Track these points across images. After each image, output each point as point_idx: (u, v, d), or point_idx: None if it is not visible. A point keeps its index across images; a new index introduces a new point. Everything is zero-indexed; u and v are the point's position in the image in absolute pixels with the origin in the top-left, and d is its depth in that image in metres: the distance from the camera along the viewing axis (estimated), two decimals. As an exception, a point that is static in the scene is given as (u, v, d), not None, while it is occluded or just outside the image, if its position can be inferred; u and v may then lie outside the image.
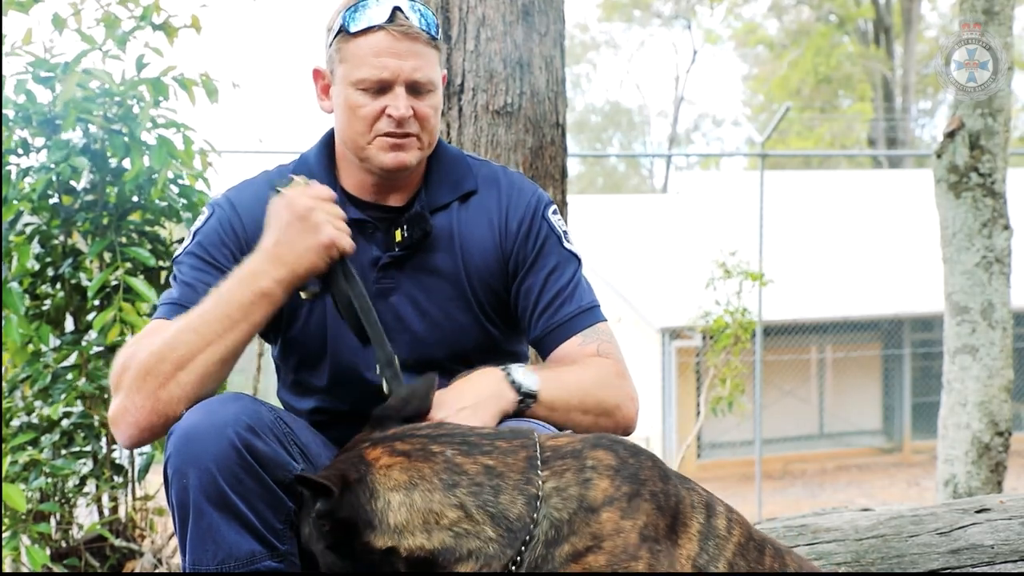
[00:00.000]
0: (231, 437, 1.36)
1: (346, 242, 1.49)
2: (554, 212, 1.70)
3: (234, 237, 1.61)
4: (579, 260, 1.69)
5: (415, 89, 1.57)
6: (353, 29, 1.55)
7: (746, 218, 8.73)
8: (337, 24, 1.58)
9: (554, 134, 2.60)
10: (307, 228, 1.46)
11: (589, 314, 1.63)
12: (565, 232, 1.69)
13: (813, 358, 12.47)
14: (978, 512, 2.10)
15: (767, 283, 6.85)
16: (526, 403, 1.49)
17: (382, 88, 1.56)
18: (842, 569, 1.92)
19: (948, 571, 1.94)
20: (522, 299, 1.65)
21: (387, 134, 1.57)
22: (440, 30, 1.62)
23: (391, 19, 1.55)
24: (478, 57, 2.51)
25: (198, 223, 1.65)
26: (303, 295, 1.53)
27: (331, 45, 1.60)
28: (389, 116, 1.56)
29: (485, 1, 2.51)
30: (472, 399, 1.45)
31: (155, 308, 1.67)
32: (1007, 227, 3.70)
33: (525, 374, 1.50)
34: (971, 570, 1.94)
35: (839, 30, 23.96)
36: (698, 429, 6.76)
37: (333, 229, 1.47)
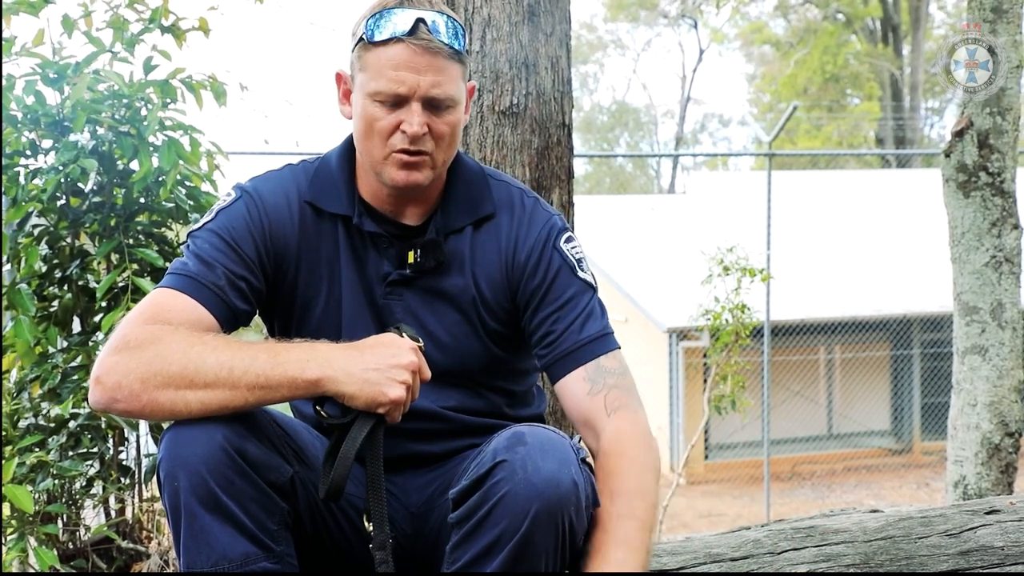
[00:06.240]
0: (220, 440, 1.35)
1: (397, 413, 1.44)
2: (567, 240, 1.66)
3: (260, 230, 1.58)
4: (593, 288, 1.65)
5: (432, 105, 1.53)
6: (373, 39, 1.52)
7: (753, 218, 8.72)
8: (360, 31, 1.55)
9: (560, 134, 2.59)
10: (392, 375, 1.41)
11: (597, 344, 1.59)
12: (579, 260, 1.65)
13: (821, 358, 12.44)
14: (988, 513, 2.09)
15: (768, 278, 6.84)
16: None
17: (398, 102, 1.52)
18: (851, 571, 1.91)
19: (958, 573, 1.93)
20: (533, 331, 1.62)
21: (401, 150, 1.54)
22: (468, 41, 1.57)
23: (413, 31, 1.51)
24: (484, 58, 2.50)
25: (223, 203, 1.60)
26: (324, 414, 1.46)
27: (353, 51, 1.57)
28: (403, 132, 1.52)
29: (491, 2, 2.50)
30: None
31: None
32: (1016, 226, 3.68)
33: None
34: (981, 572, 1.93)
35: (846, 29, 23.92)
36: (705, 430, 6.75)
37: (404, 394, 1.42)
